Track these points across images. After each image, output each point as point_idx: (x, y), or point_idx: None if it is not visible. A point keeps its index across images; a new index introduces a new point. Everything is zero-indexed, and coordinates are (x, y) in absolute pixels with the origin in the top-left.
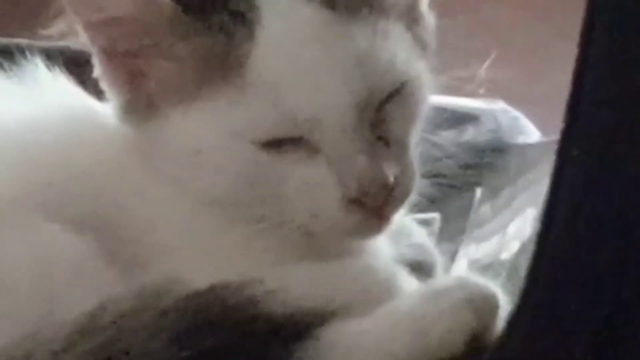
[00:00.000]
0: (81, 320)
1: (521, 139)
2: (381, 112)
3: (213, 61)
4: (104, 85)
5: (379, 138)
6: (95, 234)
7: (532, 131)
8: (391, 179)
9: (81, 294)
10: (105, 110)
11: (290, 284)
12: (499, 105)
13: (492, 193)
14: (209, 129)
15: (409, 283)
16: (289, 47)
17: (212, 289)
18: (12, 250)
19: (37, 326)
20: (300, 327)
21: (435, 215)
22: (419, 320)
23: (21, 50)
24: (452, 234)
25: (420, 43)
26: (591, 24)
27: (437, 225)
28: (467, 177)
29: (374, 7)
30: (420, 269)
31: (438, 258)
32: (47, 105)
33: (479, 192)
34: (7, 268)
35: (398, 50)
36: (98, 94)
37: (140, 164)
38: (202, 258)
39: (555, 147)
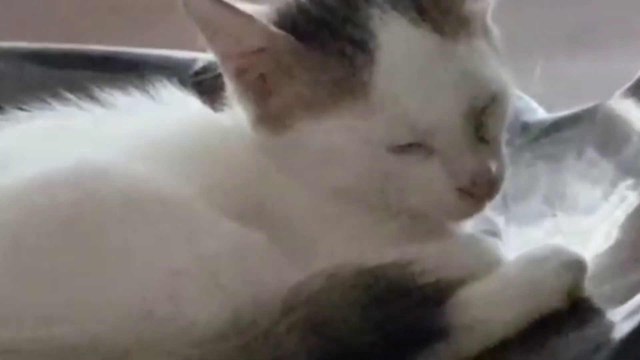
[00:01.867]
0: (287, 296)
1: (536, 116)
2: (481, 117)
3: (338, 83)
4: (235, 102)
5: (481, 138)
6: (255, 228)
7: (536, 107)
8: (494, 172)
9: (271, 277)
10: (229, 120)
11: (426, 260)
12: None
13: (522, 166)
14: (338, 138)
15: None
16: (407, 67)
17: (381, 266)
18: (209, 244)
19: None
20: (439, 294)
21: None
22: (528, 283)
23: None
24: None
25: (497, 53)
26: None
27: None
28: None
29: (468, 28)
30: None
31: (500, 227)
32: (185, 121)
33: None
34: (209, 258)
35: (490, 64)
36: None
37: (273, 165)
38: (341, 241)
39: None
